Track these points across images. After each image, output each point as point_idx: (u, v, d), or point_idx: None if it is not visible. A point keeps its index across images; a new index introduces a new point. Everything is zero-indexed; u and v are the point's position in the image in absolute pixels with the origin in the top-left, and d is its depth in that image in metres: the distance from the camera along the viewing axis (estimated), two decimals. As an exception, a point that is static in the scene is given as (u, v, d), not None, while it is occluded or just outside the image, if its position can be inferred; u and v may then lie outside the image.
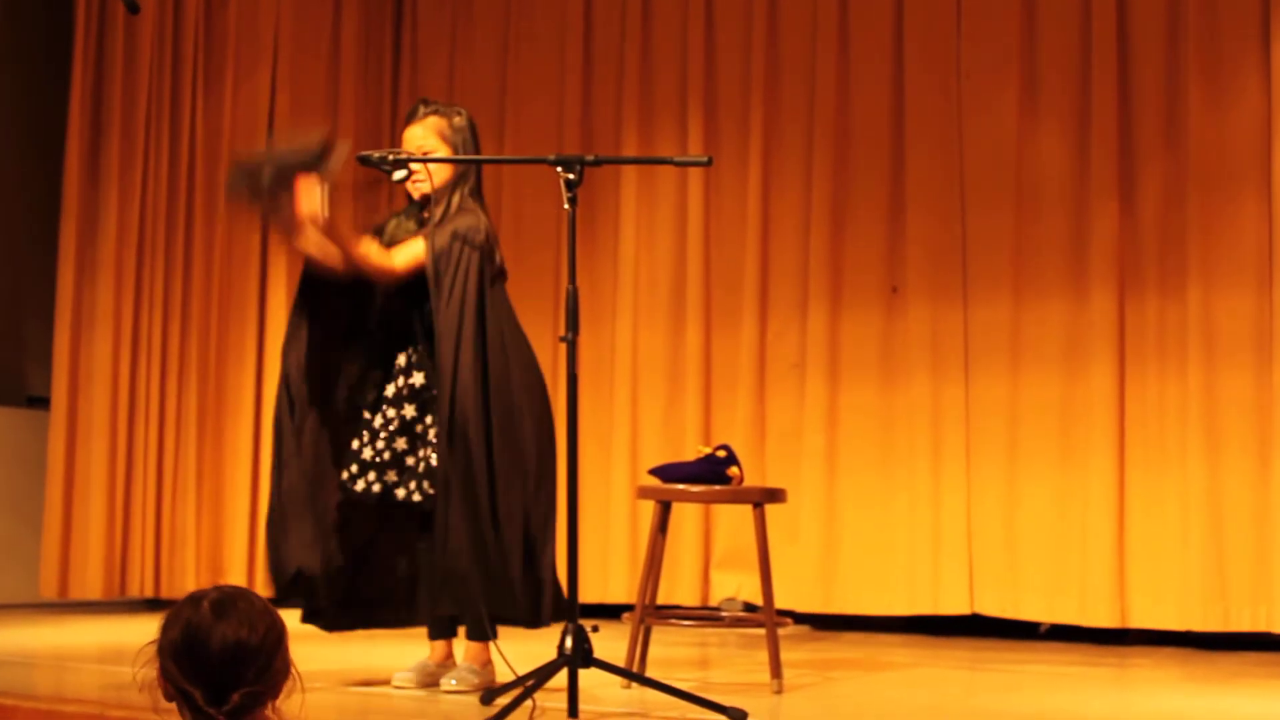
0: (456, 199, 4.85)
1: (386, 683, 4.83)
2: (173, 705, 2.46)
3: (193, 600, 2.47)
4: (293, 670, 2.49)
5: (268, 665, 2.43)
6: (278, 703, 2.47)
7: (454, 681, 4.74)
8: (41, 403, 7.70)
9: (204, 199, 7.71)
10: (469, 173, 4.90)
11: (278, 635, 2.46)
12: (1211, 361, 6.46)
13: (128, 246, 7.50)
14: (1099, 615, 6.59)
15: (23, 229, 8.12)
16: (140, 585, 7.41)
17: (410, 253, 4.78)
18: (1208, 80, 6.57)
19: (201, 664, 2.41)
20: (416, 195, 4.88)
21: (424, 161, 4.81)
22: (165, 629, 2.46)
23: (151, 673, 2.46)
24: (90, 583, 7.29)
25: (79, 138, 7.47)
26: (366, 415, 4.86)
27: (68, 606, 7.43)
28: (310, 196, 4.56)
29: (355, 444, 4.86)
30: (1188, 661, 6.14)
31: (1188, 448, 6.47)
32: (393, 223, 4.95)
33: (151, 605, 7.58)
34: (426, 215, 4.83)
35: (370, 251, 4.78)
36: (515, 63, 8.05)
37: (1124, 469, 6.63)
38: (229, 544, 7.66)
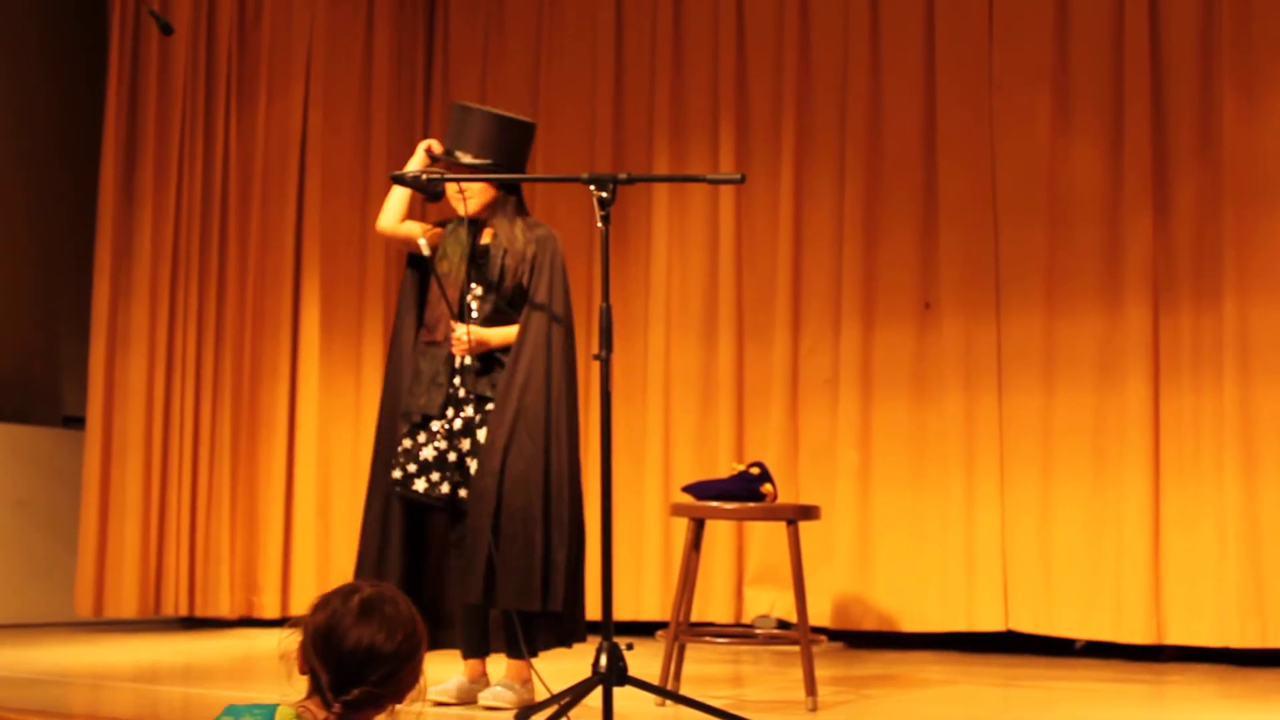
0: (518, 217, 4.93)
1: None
2: (305, 678, 2.55)
3: (345, 592, 2.56)
4: (421, 681, 2.57)
5: (395, 672, 2.51)
6: (399, 707, 2.56)
7: (491, 697, 4.74)
8: (77, 422, 7.74)
9: (238, 217, 7.74)
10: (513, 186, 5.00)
11: (413, 646, 2.54)
12: (1247, 376, 6.43)
13: (162, 265, 7.53)
14: (1135, 631, 6.56)
15: (58, 249, 8.17)
16: (175, 604, 7.43)
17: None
18: (1242, 93, 6.54)
19: (333, 655, 2.50)
20: (463, 212, 4.93)
21: (457, 180, 4.84)
22: (315, 610, 2.55)
23: (294, 643, 2.56)
24: (125, 601, 7.31)
25: (114, 157, 7.51)
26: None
27: (103, 625, 7.45)
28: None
29: (408, 443, 4.90)
30: (1224, 678, 6.11)
31: (1224, 463, 6.43)
32: (450, 240, 4.98)
33: (186, 624, 7.59)
34: (488, 240, 4.90)
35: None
36: (547, 79, 8.07)
37: (1159, 484, 6.59)
38: (263, 562, 7.67)
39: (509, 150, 4.94)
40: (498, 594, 4.71)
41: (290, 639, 2.56)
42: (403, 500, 4.90)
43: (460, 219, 4.97)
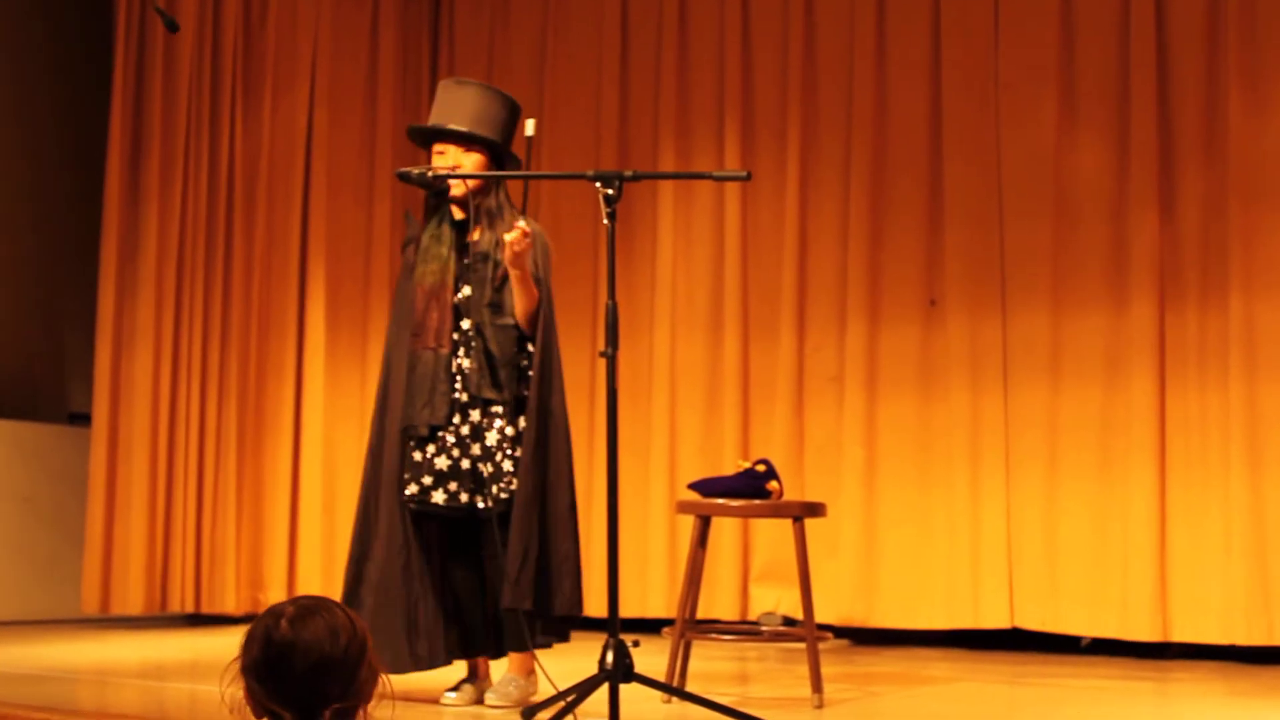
0: (504, 202, 4.88)
1: (431, 701, 4.82)
2: None
3: (271, 615, 2.42)
4: (382, 677, 2.45)
5: (353, 677, 2.39)
6: (369, 709, 2.44)
7: (494, 695, 4.73)
8: (83, 419, 7.75)
9: (243, 215, 7.75)
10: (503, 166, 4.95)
11: (360, 644, 2.42)
12: (1253, 373, 6.42)
13: (168, 264, 7.54)
14: (1141, 629, 6.55)
15: (64, 247, 8.18)
16: (181, 601, 7.44)
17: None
18: (1247, 89, 6.53)
19: (286, 682, 2.37)
20: (460, 192, 4.82)
21: (463, 177, 4.81)
22: (246, 647, 2.42)
23: (238, 692, 2.41)
24: (131, 598, 7.32)
25: (119, 155, 7.52)
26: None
27: (109, 622, 7.46)
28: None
29: (418, 456, 4.81)
30: (1230, 675, 6.10)
31: (1230, 460, 6.42)
32: (426, 238, 4.91)
33: (192, 620, 7.60)
34: (473, 235, 4.83)
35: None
36: (552, 76, 8.07)
37: (1165, 481, 6.59)
38: (269, 559, 7.68)
39: (501, 126, 4.88)
40: (554, 600, 4.70)
41: (233, 691, 2.41)
42: (414, 515, 4.80)
43: (440, 219, 4.88)
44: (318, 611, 2.41)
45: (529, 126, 4.82)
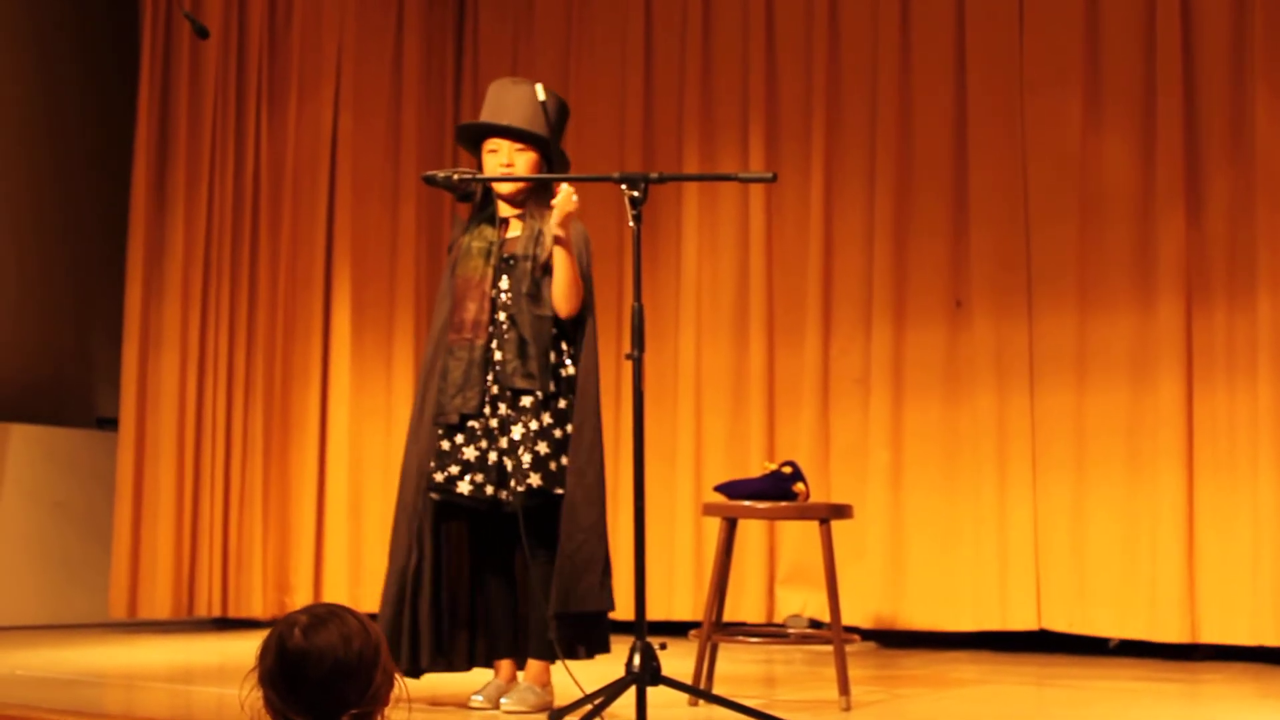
0: (549, 201, 4.89)
1: (459, 705, 4.81)
2: None
3: (285, 625, 2.45)
4: (397, 682, 2.48)
5: (368, 681, 2.41)
6: (386, 713, 2.46)
7: (506, 700, 4.70)
8: (110, 424, 7.77)
9: (269, 218, 7.76)
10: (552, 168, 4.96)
11: (374, 648, 2.44)
12: (1281, 374, 6.40)
13: (194, 267, 7.55)
14: (1169, 630, 6.53)
15: (91, 251, 8.20)
16: (208, 605, 7.45)
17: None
18: (1274, 89, 6.50)
19: (302, 690, 2.39)
20: (506, 192, 4.88)
21: (488, 181, 4.82)
22: (261, 657, 2.44)
23: (258, 701, 2.44)
24: (158, 602, 7.34)
25: (145, 159, 7.53)
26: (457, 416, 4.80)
27: (136, 626, 7.48)
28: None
29: (446, 445, 4.78)
30: (1260, 677, 6.07)
31: (1258, 461, 6.39)
32: (466, 238, 4.91)
33: (219, 625, 7.62)
34: (515, 234, 4.84)
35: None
36: (577, 79, 8.08)
37: (1193, 483, 6.56)
38: (295, 563, 7.69)
39: (552, 125, 4.88)
40: (610, 598, 4.73)
41: (253, 698, 2.44)
42: (438, 506, 4.77)
43: (482, 219, 4.90)
44: (330, 619, 2.44)
45: (539, 91, 4.83)
